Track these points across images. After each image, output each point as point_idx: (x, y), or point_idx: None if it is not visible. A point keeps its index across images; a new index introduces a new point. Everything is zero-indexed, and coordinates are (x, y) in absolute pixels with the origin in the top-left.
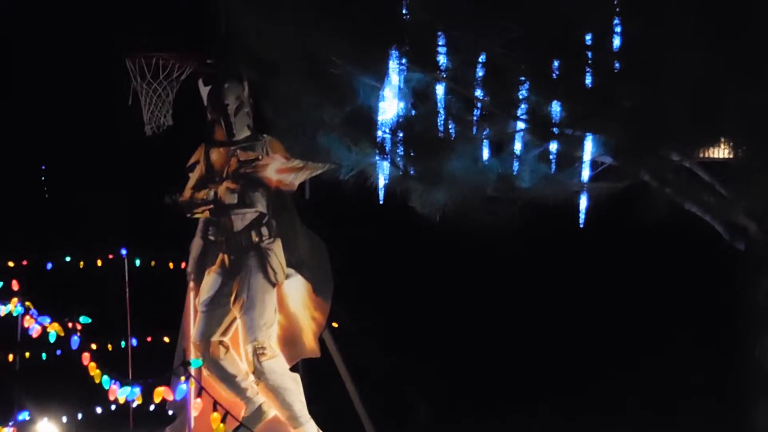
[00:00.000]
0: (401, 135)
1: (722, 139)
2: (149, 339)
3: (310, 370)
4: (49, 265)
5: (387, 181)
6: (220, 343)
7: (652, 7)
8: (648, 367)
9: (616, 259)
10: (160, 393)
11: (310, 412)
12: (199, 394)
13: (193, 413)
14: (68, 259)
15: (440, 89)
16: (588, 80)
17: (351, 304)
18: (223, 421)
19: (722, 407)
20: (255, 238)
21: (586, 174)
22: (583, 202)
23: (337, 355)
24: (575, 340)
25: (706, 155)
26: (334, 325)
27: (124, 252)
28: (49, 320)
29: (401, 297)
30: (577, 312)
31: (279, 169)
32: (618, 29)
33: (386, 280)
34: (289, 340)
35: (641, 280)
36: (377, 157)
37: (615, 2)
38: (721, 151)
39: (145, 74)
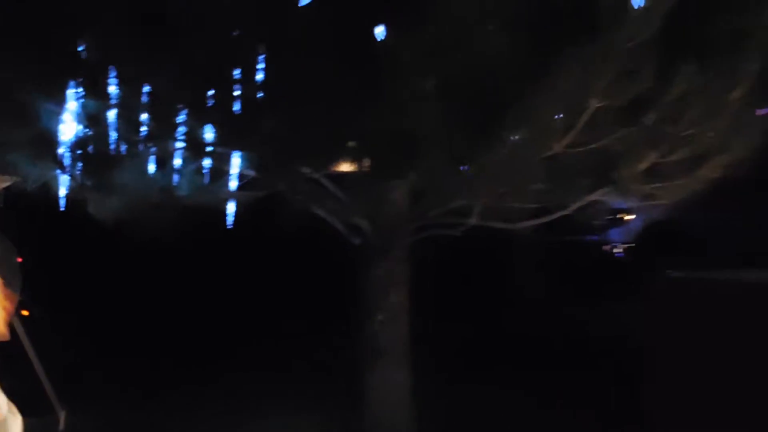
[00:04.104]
0: (79, 152)
1: (344, 157)
2: None
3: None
4: None
5: (68, 192)
6: None
7: (291, 48)
8: (283, 351)
9: (260, 255)
10: None
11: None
12: None
13: None
14: None
15: (112, 114)
16: (236, 108)
17: (40, 298)
18: None
19: (338, 383)
20: None
21: (233, 185)
22: (231, 208)
23: (26, 338)
24: (227, 327)
25: (331, 169)
26: (24, 313)
27: None
28: None
29: (84, 292)
30: (230, 301)
31: None
32: (261, 66)
33: (71, 278)
34: None
35: (281, 272)
36: (58, 172)
37: (257, 47)
38: (343, 166)
39: None
